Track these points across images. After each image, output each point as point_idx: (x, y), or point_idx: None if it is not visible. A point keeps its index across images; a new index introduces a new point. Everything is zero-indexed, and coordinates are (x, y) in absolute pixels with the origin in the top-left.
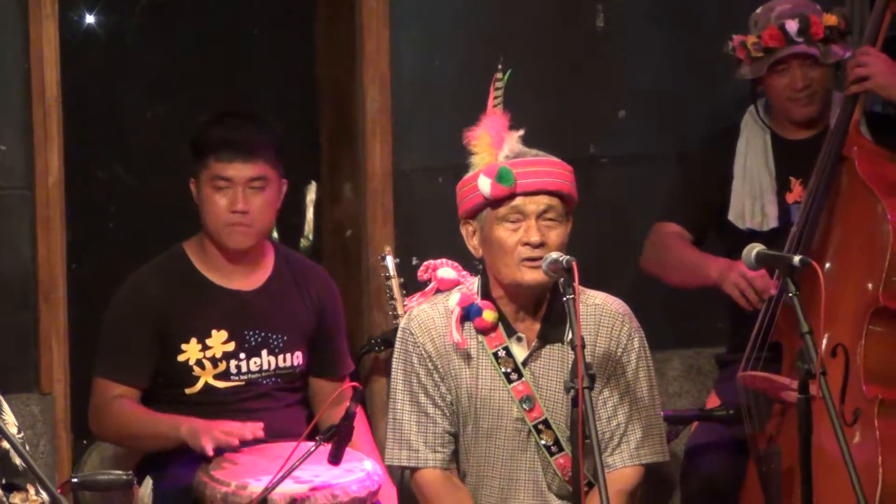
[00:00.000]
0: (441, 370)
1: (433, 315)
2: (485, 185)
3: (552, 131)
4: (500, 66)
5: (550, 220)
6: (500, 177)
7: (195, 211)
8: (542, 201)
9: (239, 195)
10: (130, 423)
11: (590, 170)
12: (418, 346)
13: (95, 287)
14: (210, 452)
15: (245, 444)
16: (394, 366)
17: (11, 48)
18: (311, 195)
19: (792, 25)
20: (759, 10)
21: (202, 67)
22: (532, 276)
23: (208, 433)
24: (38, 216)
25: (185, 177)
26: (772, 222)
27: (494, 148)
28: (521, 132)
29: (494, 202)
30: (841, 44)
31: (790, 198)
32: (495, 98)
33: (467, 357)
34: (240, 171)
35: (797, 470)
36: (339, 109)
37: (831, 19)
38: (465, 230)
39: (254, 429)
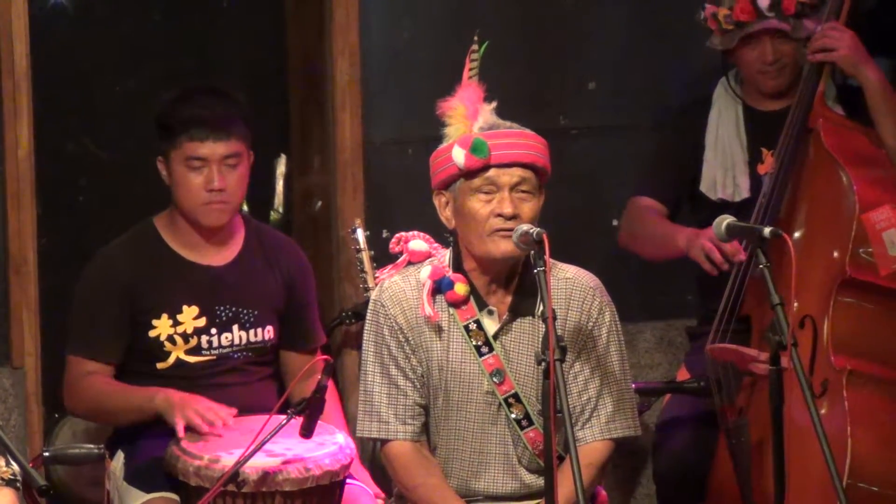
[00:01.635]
0: (412, 342)
1: (405, 287)
2: (459, 156)
3: (522, 103)
4: (475, 38)
5: (524, 192)
6: (475, 148)
7: (166, 185)
8: (516, 173)
9: (214, 174)
10: (104, 398)
11: (560, 141)
12: (389, 318)
13: (66, 260)
14: (181, 433)
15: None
16: (365, 338)
17: None
18: (281, 168)
19: (764, 0)
20: None
21: (171, 39)
22: (504, 246)
23: (181, 411)
24: (7, 190)
25: (154, 150)
26: (743, 193)
27: (469, 119)
28: (494, 104)
29: (468, 173)
30: (813, 18)
31: (762, 169)
32: (471, 69)
33: (438, 330)
34: (214, 149)
35: (767, 442)
36: (308, 81)
37: None
38: (438, 201)
39: (227, 417)
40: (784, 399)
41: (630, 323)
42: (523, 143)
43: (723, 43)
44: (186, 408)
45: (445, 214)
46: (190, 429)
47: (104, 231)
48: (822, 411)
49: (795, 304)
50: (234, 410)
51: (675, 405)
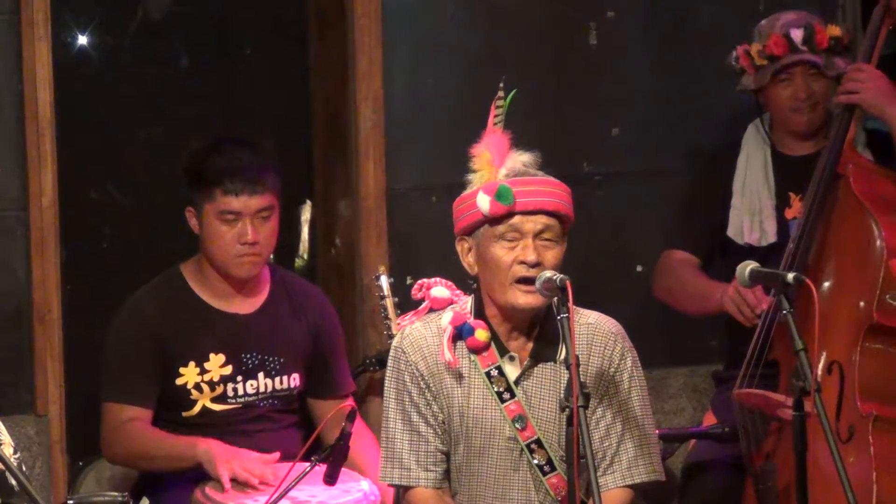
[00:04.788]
0: (433, 389)
1: (426, 334)
2: (483, 203)
3: (546, 149)
4: (501, 86)
5: (547, 239)
6: (500, 195)
7: (189, 231)
8: (540, 221)
9: (248, 227)
10: (145, 445)
11: (584, 188)
12: (410, 365)
13: (90, 307)
14: (227, 485)
15: None
16: (386, 384)
17: (4, 69)
18: (305, 215)
19: (797, 34)
20: (763, 22)
21: (195, 87)
22: (526, 299)
23: (227, 465)
24: (32, 237)
25: (179, 197)
26: (770, 238)
27: (494, 166)
28: (532, 155)
29: (492, 220)
30: (844, 57)
31: (789, 213)
32: (496, 117)
33: (459, 376)
34: (248, 203)
35: (794, 487)
36: (332, 128)
37: (835, 30)
38: (461, 247)
39: (275, 477)
40: (808, 444)
41: (655, 368)
42: (548, 190)
43: (756, 81)
44: (233, 462)
45: (468, 260)
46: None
47: (128, 279)
48: (849, 458)
49: (823, 351)
50: (276, 456)
51: (701, 450)
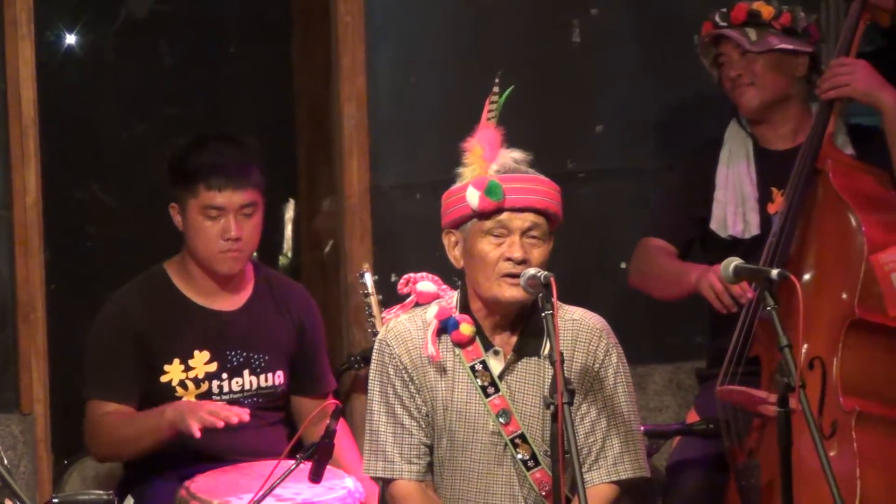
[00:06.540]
0: (416, 382)
1: (410, 327)
2: (473, 198)
3: (529, 147)
4: (497, 81)
5: (534, 237)
6: (490, 190)
7: (173, 230)
8: (529, 218)
9: (231, 223)
10: (121, 430)
11: (567, 185)
12: (394, 358)
13: (74, 306)
14: (197, 434)
15: (227, 462)
16: (371, 377)
17: None
18: (289, 213)
19: (719, 13)
20: None
21: (179, 86)
22: (511, 292)
23: (194, 414)
24: (16, 236)
25: (162, 196)
26: (753, 230)
27: (486, 161)
28: (524, 152)
29: (481, 215)
30: (780, 37)
31: (772, 208)
32: (490, 112)
33: (443, 370)
34: (231, 199)
35: (776, 483)
36: (316, 126)
37: (763, 7)
38: (448, 240)
39: (239, 413)
40: (792, 441)
41: (639, 365)
42: (538, 188)
43: (709, 66)
44: (199, 410)
45: (454, 254)
46: (206, 441)
47: (112, 277)
48: (832, 453)
49: (805, 346)
50: (247, 410)
51: (684, 447)
